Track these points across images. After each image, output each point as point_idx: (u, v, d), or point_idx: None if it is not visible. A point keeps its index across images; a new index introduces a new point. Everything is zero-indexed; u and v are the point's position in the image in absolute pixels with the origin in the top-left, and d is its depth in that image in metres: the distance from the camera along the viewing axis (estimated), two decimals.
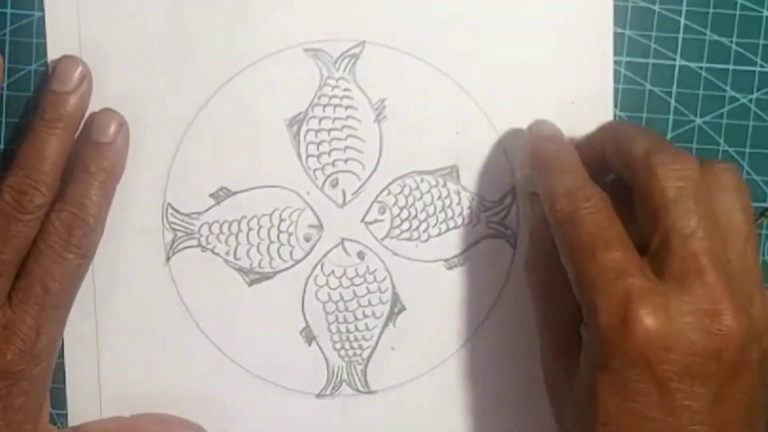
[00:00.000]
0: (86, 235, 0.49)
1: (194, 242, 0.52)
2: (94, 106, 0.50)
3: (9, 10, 0.51)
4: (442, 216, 0.52)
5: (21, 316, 0.48)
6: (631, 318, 0.42)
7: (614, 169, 0.47)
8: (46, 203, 0.48)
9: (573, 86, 0.52)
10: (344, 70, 0.52)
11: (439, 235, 0.52)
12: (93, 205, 0.49)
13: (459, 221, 0.52)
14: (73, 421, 0.52)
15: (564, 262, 0.45)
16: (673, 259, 0.43)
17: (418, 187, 0.52)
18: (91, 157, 0.49)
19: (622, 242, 0.44)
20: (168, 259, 0.52)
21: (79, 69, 0.50)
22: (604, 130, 0.50)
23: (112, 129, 0.50)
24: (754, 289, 0.45)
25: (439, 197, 0.52)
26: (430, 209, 0.52)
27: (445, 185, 0.52)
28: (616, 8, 0.51)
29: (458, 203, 0.52)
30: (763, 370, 0.44)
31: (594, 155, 0.48)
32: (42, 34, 0.51)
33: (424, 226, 0.52)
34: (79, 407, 0.52)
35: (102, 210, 0.49)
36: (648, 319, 0.42)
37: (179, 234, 0.52)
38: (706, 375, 0.42)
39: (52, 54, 0.50)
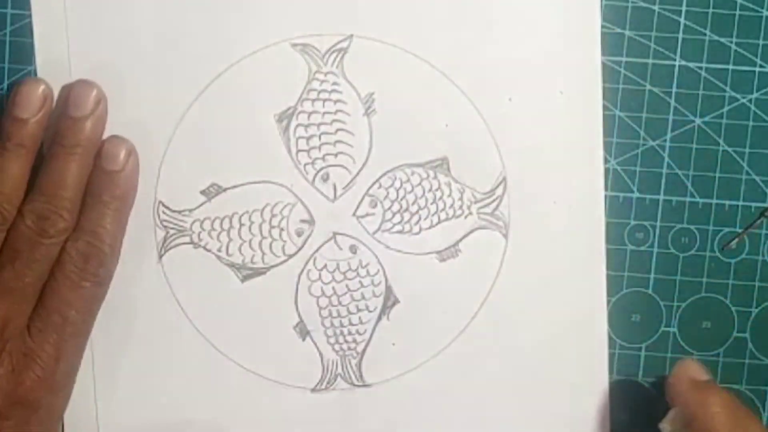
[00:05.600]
0: (102, 263, 0.49)
1: (186, 239, 0.52)
2: None
3: (9, 11, 0.50)
4: (433, 208, 0.52)
5: (40, 344, 0.48)
6: None
7: None
8: (68, 228, 0.49)
9: (561, 76, 0.50)
10: (332, 65, 0.50)
11: (431, 227, 0.52)
12: (108, 234, 0.49)
13: (450, 213, 0.52)
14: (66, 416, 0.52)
15: None
16: None
17: (408, 180, 0.52)
18: (103, 186, 0.49)
19: None
20: (160, 256, 0.52)
21: (94, 93, 0.49)
22: None
23: (122, 156, 0.49)
24: None
25: (430, 189, 0.52)
26: (422, 202, 0.52)
27: (435, 177, 0.51)
28: (615, 8, 0.50)
29: (449, 195, 0.52)
30: None
31: None
32: None
33: (415, 218, 0.52)
34: (72, 403, 0.51)
35: (117, 238, 0.50)
36: None
37: (171, 231, 0.52)
38: None
39: (41, 51, 0.50)
